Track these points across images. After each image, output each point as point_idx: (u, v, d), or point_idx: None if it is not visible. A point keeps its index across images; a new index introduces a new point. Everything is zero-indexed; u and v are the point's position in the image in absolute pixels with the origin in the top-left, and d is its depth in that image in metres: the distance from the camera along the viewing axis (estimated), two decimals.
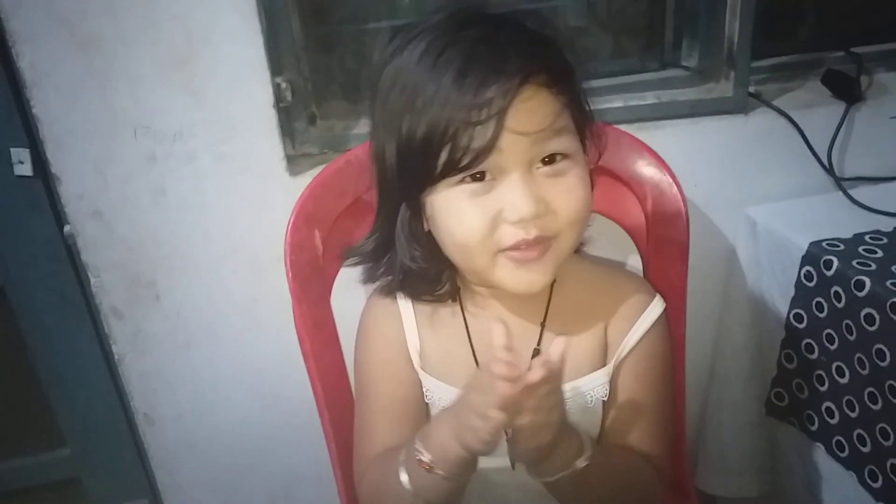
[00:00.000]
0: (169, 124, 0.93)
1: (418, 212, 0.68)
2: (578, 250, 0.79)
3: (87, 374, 1.19)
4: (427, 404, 0.78)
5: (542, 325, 0.76)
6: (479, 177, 0.63)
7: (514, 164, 0.62)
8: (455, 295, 0.76)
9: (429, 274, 0.71)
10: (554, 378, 0.58)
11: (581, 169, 0.66)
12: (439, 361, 0.77)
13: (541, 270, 0.66)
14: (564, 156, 0.64)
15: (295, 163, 0.99)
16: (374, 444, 0.76)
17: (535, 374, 0.56)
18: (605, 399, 0.76)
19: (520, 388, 0.55)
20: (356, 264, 0.77)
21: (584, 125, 0.68)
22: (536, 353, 0.75)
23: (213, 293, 1.02)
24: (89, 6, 0.86)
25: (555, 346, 0.59)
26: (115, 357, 1.06)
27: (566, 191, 0.64)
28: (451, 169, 0.62)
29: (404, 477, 0.66)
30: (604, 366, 0.76)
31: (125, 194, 0.95)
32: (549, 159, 0.64)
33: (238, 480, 1.18)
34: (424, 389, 0.78)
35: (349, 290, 0.95)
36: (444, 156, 0.61)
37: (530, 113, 0.61)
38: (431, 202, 0.66)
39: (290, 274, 0.85)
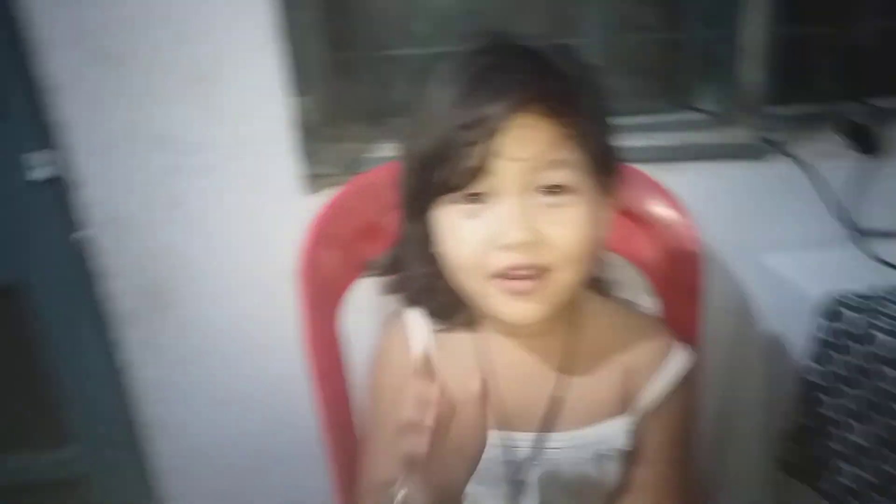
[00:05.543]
0: (187, 138, 0.93)
1: (425, 230, 0.68)
2: (605, 292, 0.77)
3: (96, 378, 1.18)
4: None
5: (559, 368, 0.72)
6: (477, 198, 0.63)
7: (509, 188, 0.62)
8: (471, 325, 0.74)
9: (441, 293, 0.70)
10: None
11: (587, 205, 0.64)
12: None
13: (536, 301, 0.64)
14: (567, 189, 0.63)
15: (311, 182, 0.99)
16: (375, 475, 0.73)
17: None
18: (625, 448, 0.72)
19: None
20: (376, 275, 0.76)
21: (603, 162, 0.65)
22: (556, 400, 0.72)
23: (223, 307, 1.02)
24: (114, 21, 0.88)
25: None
26: (124, 363, 1.05)
27: (563, 223, 0.62)
28: (446, 188, 0.62)
29: None
30: (621, 413, 0.73)
31: (141, 203, 0.95)
32: (550, 190, 0.62)
33: (241, 492, 1.17)
34: None
35: (357, 313, 0.95)
36: (440, 174, 0.62)
37: (526, 140, 0.60)
38: (437, 220, 0.66)
39: (301, 293, 0.84)
